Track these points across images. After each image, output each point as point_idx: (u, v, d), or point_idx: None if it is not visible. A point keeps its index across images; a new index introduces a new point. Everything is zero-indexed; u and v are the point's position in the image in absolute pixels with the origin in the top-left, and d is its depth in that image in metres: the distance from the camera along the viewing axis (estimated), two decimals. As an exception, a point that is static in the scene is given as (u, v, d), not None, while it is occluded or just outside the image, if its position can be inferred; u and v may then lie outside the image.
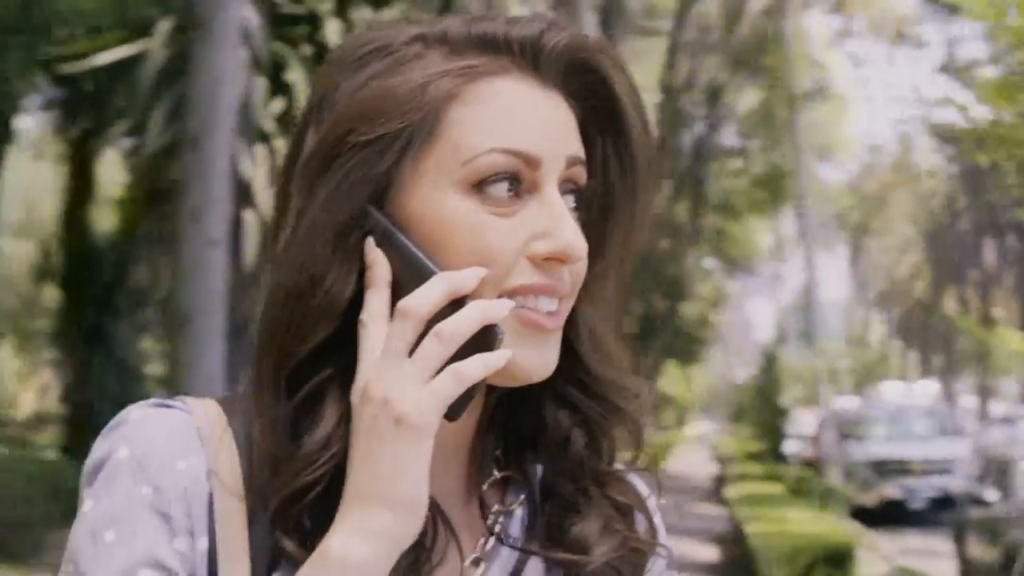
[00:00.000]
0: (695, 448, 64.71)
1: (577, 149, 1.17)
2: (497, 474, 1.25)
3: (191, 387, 7.53)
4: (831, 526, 13.45)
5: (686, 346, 45.97)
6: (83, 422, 18.25)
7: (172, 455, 1.13)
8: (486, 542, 1.22)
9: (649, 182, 1.22)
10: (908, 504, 22.69)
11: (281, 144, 10.64)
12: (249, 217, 10.30)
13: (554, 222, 1.12)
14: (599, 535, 1.23)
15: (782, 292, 51.25)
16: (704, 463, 50.11)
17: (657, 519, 1.32)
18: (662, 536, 1.31)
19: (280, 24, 10.66)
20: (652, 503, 1.34)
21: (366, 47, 1.16)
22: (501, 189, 1.12)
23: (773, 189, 39.17)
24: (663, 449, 45.36)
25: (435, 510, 1.16)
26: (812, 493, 19.05)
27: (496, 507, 1.24)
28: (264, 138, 10.73)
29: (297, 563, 1.08)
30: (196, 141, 7.89)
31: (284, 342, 1.13)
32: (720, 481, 30.69)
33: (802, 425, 29.91)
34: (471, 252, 1.11)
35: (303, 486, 1.10)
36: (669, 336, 40.97)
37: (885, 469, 23.15)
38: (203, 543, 1.11)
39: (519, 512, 1.26)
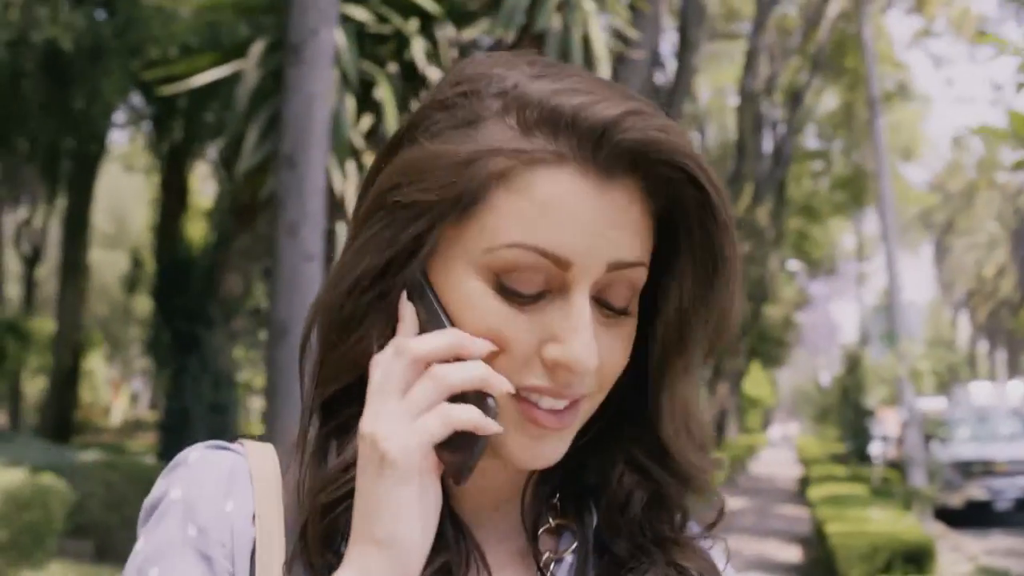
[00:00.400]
0: (780, 450, 64.30)
1: (627, 254, 1.10)
2: (552, 522, 1.22)
3: (289, 395, 7.83)
4: (911, 526, 13.47)
5: (770, 348, 45.87)
6: (177, 428, 18.68)
7: (221, 497, 1.14)
8: None
9: (734, 287, 1.16)
10: (994, 505, 22.57)
11: (370, 159, 10.93)
12: (341, 231, 10.39)
13: (569, 331, 1.07)
14: None
15: (866, 293, 50.98)
16: (789, 465, 49.88)
17: None
18: None
19: (367, 44, 10.88)
20: (728, 571, 1.30)
21: (457, 87, 1.13)
22: (522, 284, 1.08)
23: (854, 190, 39.10)
24: (747, 451, 45.31)
25: (473, 551, 1.15)
26: (895, 494, 19.08)
27: (547, 554, 1.21)
28: (354, 154, 10.91)
29: None
30: (292, 159, 8.14)
31: (322, 380, 1.14)
32: (804, 483, 30.61)
33: (886, 426, 29.82)
34: (483, 336, 1.08)
35: (325, 505, 1.10)
36: (753, 339, 40.95)
37: (970, 470, 23.03)
38: None
39: (569, 559, 1.22)
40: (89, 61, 15.56)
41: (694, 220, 1.12)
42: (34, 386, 33.23)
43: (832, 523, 14.02)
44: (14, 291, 38.11)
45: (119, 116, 21.10)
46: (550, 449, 1.11)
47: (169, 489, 1.15)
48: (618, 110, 1.06)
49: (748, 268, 31.98)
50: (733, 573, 1.31)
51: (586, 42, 10.83)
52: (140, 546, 1.14)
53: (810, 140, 39.74)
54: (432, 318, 1.09)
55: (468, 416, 1.04)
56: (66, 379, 22.92)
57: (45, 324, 31.93)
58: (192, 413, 18.85)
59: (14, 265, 37.69)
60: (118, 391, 43.17)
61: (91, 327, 35.83)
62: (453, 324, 1.09)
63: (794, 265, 44.73)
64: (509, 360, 1.08)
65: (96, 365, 40.03)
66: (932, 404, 31.62)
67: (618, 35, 12.83)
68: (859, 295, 51.73)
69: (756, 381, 60.03)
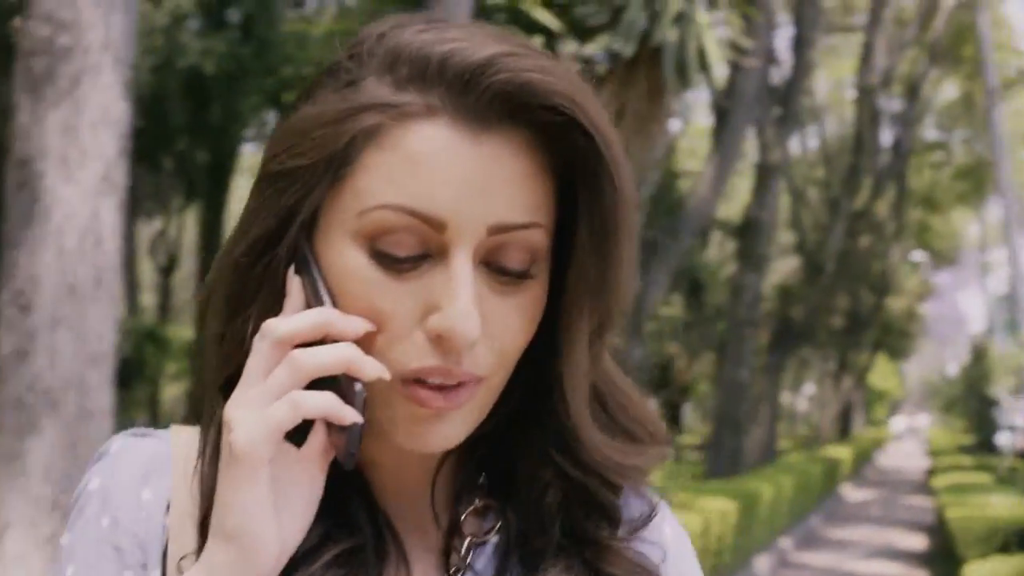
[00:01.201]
0: (908, 442, 63.73)
1: (508, 216, 1.00)
2: (478, 503, 1.14)
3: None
4: (1033, 513, 13.77)
5: (895, 340, 45.74)
6: None
7: (137, 486, 1.09)
8: (455, 572, 1.12)
9: (623, 250, 1.06)
10: None
11: None
12: None
13: (447, 295, 0.98)
14: None
15: (992, 282, 50.46)
16: (917, 457, 49.58)
17: (681, 568, 1.20)
18: None
19: None
20: (680, 548, 1.21)
21: (347, 52, 1.06)
22: (398, 249, 1.00)
23: (976, 180, 38.89)
24: (873, 444, 45.22)
25: (386, 533, 1.09)
26: (1021, 482, 19.23)
27: (469, 538, 1.12)
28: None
29: None
30: None
31: (210, 367, 1.09)
32: (931, 473, 30.70)
33: (1014, 416, 29.77)
34: (362, 312, 1.01)
35: (205, 517, 1.04)
36: (877, 331, 40.89)
37: None
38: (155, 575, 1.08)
39: (493, 541, 1.14)
40: (228, 82, 16.40)
41: (585, 172, 1.03)
42: (171, 392, 34.28)
43: (952, 508, 14.37)
44: (149, 300, 39.44)
45: (250, 129, 21.93)
46: (441, 434, 1.03)
47: (89, 480, 1.11)
48: (488, 52, 0.98)
49: (869, 261, 32.07)
50: (684, 548, 1.22)
51: (701, 53, 11.25)
52: (63, 541, 1.10)
53: (930, 131, 39.56)
54: (314, 292, 1.02)
55: (320, 404, 0.97)
56: (207, 385, 23.70)
57: (181, 331, 33.08)
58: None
59: (149, 274, 39.00)
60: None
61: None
62: (334, 299, 1.02)
63: (919, 256, 44.55)
64: (389, 337, 1.00)
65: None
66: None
67: (732, 45, 13.24)
68: (985, 284, 51.24)
69: (883, 374, 59.75)
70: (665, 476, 20.27)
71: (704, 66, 11.31)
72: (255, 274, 1.05)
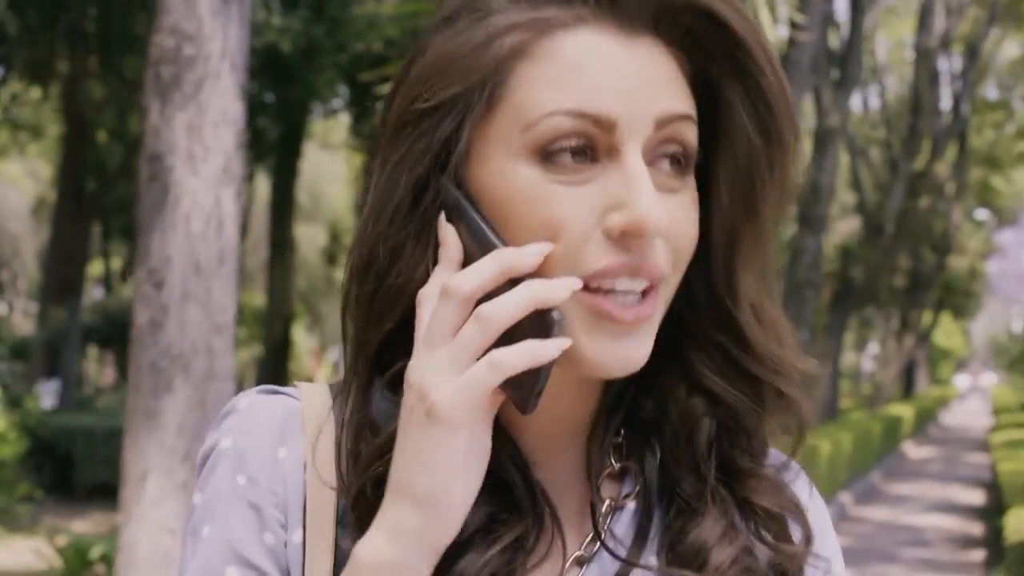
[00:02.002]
0: (973, 400, 63.42)
1: (671, 106, 1.01)
2: (615, 465, 1.12)
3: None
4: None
5: (958, 299, 45.59)
6: None
7: (272, 444, 1.07)
8: (591, 542, 1.09)
9: (791, 125, 1.05)
10: None
11: None
12: None
13: (630, 191, 0.97)
14: (719, 540, 1.07)
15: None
16: (982, 415, 49.44)
17: (819, 525, 1.15)
18: (826, 547, 1.15)
19: None
20: (816, 505, 1.17)
21: (459, 2, 1.04)
22: (568, 155, 0.99)
23: (1038, 138, 38.63)
24: (937, 402, 45.21)
25: (544, 501, 1.06)
26: None
27: (607, 502, 1.10)
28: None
29: None
30: None
31: (361, 326, 1.06)
32: (992, 431, 30.83)
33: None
34: (537, 226, 0.99)
35: (373, 479, 1.02)
36: (939, 290, 40.84)
37: None
38: (298, 535, 1.05)
39: (631, 507, 1.11)
40: (303, 59, 16.98)
41: (732, 70, 1.04)
42: (241, 356, 34.92)
43: (1004, 463, 14.78)
44: None
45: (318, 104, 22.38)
46: (632, 349, 1.00)
47: (220, 439, 1.09)
48: None
49: (930, 220, 32.06)
50: (819, 505, 1.18)
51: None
52: (196, 500, 1.08)
53: (991, 90, 39.32)
54: (476, 236, 1.00)
55: (521, 358, 0.94)
56: (278, 350, 24.17)
57: (253, 298, 33.73)
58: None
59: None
60: (319, 360, 44.82)
61: (294, 299, 37.48)
62: (499, 235, 1.00)
63: (982, 214, 44.32)
64: (569, 246, 0.98)
65: (298, 336, 41.72)
66: None
67: (787, 20, 13.51)
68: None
69: (947, 332, 59.46)
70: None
71: None
72: (404, 230, 1.02)
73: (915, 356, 43.85)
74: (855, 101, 39.84)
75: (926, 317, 43.39)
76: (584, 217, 0.98)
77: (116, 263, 33.09)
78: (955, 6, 30.89)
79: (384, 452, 1.01)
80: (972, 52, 31.30)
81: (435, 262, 1.02)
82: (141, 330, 5.76)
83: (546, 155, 0.99)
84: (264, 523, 1.05)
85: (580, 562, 1.09)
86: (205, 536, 1.06)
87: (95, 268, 29.76)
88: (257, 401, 1.10)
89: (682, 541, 1.07)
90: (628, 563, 1.08)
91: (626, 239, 0.98)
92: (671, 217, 1.00)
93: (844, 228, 39.80)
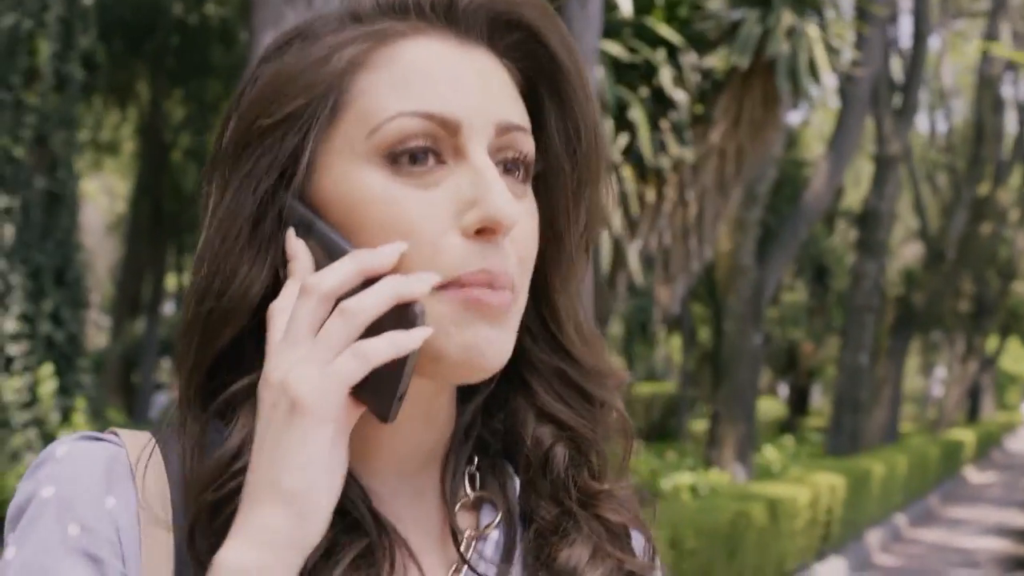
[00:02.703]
0: None
1: (510, 114, 1.02)
2: (470, 494, 1.10)
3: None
4: None
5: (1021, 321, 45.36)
6: None
7: (100, 492, 0.99)
8: (456, 570, 1.07)
9: (597, 151, 1.08)
10: None
11: (627, 173, 12.35)
12: (603, 236, 11.80)
13: (482, 188, 0.97)
14: (589, 561, 1.07)
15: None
16: None
17: (653, 538, 1.17)
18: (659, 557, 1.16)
19: (622, 72, 11.93)
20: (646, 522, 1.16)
21: (289, 34, 1.06)
22: (415, 157, 0.98)
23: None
24: (1003, 428, 44.99)
25: (393, 535, 1.02)
26: None
27: (468, 532, 1.08)
28: (612, 167, 12.03)
29: None
30: None
31: (196, 348, 1.01)
32: None
33: None
34: (390, 230, 0.97)
35: (210, 505, 0.97)
36: (1004, 315, 40.71)
37: None
38: None
39: (495, 535, 1.10)
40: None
41: (551, 90, 1.06)
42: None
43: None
44: None
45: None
46: (501, 338, 1.00)
47: (38, 488, 1.00)
48: None
49: (995, 246, 32.04)
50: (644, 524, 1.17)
51: (812, 64, 11.99)
52: (11, 555, 0.99)
53: None
54: (327, 247, 0.99)
55: (386, 347, 0.93)
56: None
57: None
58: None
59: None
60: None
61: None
62: (350, 243, 0.99)
63: None
64: (423, 247, 0.97)
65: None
66: None
67: (843, 58, 13.90)
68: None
69: (1015, 358, 59.01)
70: (786, 455, 21.05)
71: (815, 76, 12.04)
72: (245, 248, 1.00)
73: (980, 381, 43.70)
74: (922, 124, 39.88)
75: (991, 342, 43.21)
76: (437, 218, 0.98)
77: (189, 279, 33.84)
78: (1021, 32, 30.95)
79: (220, 473, 0.98)
80: None
81: (278, 278, 1.01)
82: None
83: (393, 157, 0.99)
84: (103, 573, 0.98)
85: None
86: None
87: (169, 283, 30.50)
88: (76, 448, 1.02)
89: (551, 566, 1.07)
90: None
91: (482, 236, 0.98)
92: (519, 220, 1.00)
93: (909, 253, 39.84)
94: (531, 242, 1.04)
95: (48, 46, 11.24)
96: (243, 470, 0.97)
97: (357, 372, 0.93)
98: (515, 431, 1.11)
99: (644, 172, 12.18)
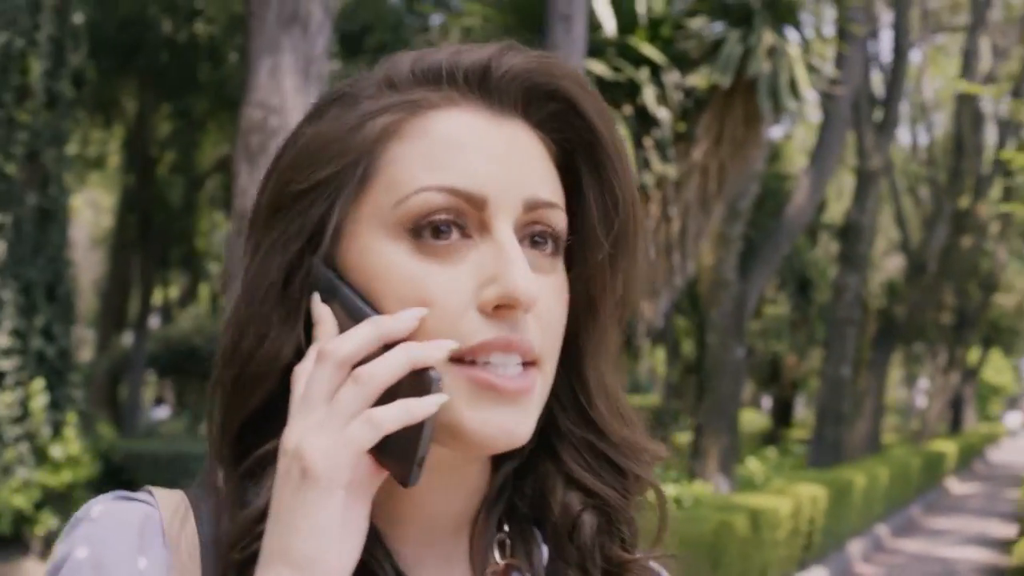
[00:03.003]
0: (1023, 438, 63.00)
1: (539, 190, 1.01)
2: (500, 562, 1.09)
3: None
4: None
5: (1006, 337, 45.58)
6: None
7: (132, 553, 1.01)
8: None
9: (635, 223, 1.08)
10: None
11: None
12: None
13: (502, 265, 0.97)
14: None
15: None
16: None
17: None
18: None
19: (606, 90, 12.09)
20: None
21: (329, 96, 1.07)
22: (439, 231, 0.98)
23: (1085, 178, 38.61)
24: (984, 439, 45.20)
25: None
26: None
27: None
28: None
29: None
30: None
31: (226, 409, 1.03)
32: None
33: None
34: (409, 304, 0.97)
35: (237, 564, 0.99)
36: (986, 328, 40.88)
37: None
38: None
39: None
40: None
41: (590, 162, 1.06)
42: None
43: (1031, 495, 15.36)
44: None
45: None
46: (514, 420, 0.99)
47: (73, 549, 1.01)
48: (492, 49, 1.03)
49: (975, 259, 32.20)
50: None
51: (792, 83, 12.16)
52: None
53: None
54: (351, 311, 0.99)
55: (398, 414, 0.93)
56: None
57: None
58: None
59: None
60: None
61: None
62: (374, 309, 0.99)
63: None
64: (442, 322, 0.97)
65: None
66: None
67: (823, 76, 14.06)
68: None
69: (997, 369, 59.24)
70: (769, 467, 21.22)
71: (796, 95, 12.19)
72: (273, 311, 1.01)
73: (963, 393, 43.87)
74: (904, 137, 40.04)
75: (973, 354, 43.37)
76: (457, 293, 0.98)
77: (173, 292, 33.86)
78: (1000, 48, 31.12)
79: (245, 534, 0.99)
80: (1017, 94, 31.38)
81: (306, 342, 1.01)
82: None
83: (416, 231, 0.99)
84: None
85: None
86: None
87: (156, 297, 30.51)
88: (111, 508, 1.03)
89: None
90: None
91: (500, 312, 0.98)
92: (540, 300, 1.00)
93: (891, 265, 39.99)
94: (556, 316, 1.03)
95: (39, 64, 11.30)
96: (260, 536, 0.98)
97: (369, 439, 0.93)
98: (543, 497, 1.11)
99: (628, 189, 12.34)
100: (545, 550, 1.13)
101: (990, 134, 32.14)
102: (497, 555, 1.10)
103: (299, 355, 1.01)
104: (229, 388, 1.03)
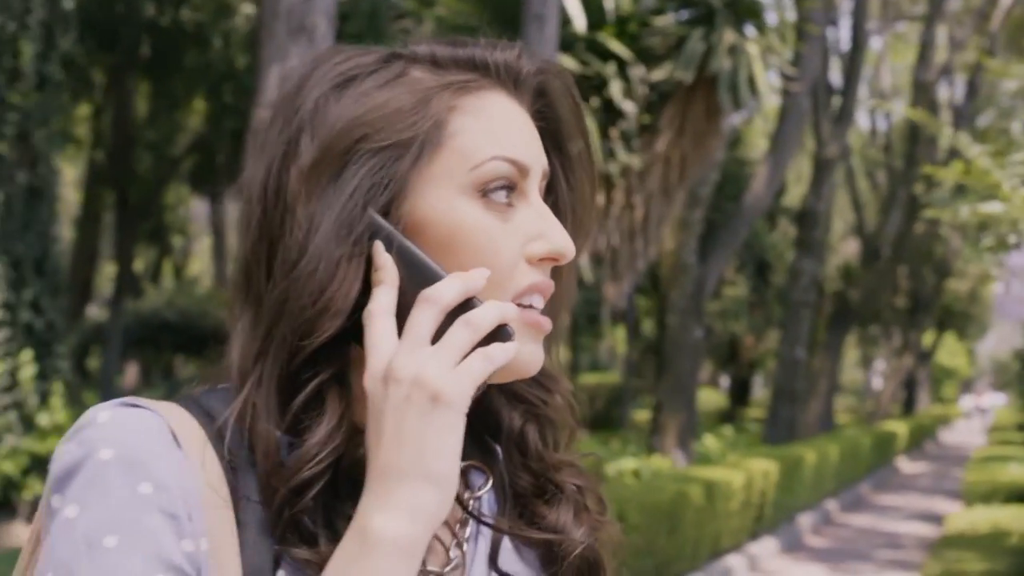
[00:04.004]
0: (976, 420, 63.61)
1: (546, 163, 1.19)
2: (463, 463, 1.17)
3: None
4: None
5: (959, 321, 46.13)
6: None
7: (163, 452, 1.05)
8: (462, 524, 1.23)
9: (589, 202, 1.27)
10: None
11: None
12: None
13: (546, 225, 1.15)
14: (574, 520, 1.25)
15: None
16: (979, 433, 49.87)
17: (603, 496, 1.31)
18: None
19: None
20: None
21: (344, 64, 1.16)
22: (501, 195, 1.13)
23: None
24: (937, 421, 45.75)
25: None
26: None
27: (467, 493, 1.22)
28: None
29: (301, 564, 1.06)
30: None
31: (290, 342, 1.09)
32: (980, 449, 31.62)
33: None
34: (478, 254, 1.12)
35: (306, 481, 1.06)
36: (940, 311, 41.43)
37: None
38: (204, 544, 1.04)
39: (486, 498, 1.26)
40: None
41: (555, 141, 1.24)
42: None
43: (970, 474, 16.04)
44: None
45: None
46: (538, 353, 1.16)
47: (92, 450, 1.03)
48: (515, 49, 1.20)
49: (930, 244, 32.74)
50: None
51: (751, 80, 12.71)
52: (75, 514, 1.01)
53: (992, 118, 39.60)
54: (414, 265, 1.10)
55: (504, 357, 1.06)
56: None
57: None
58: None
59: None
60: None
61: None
62: (435, 262, 1.11)
63: (988, 239, 44.43)
64: (500, 270, 1.12)
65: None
66: None
67: (781, 74, 14.60)
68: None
69: (952, 352, 59.90)
70: (725, 444, 21.78)
71: (755, 91, 12.75)
72: (339, 253, 1.09)
73: (916, 375, 44.32)
74: (864, 121, 40.41)
75: (927, 337, 43.88)
76: (511, 247, 1.13)
77: (140, 266, 33.92)
78: (957, 38, 31.55)
79: (315, 455, 1.07)
80: (972, 84, 31.79)
81: (365, 287, 1.10)
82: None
83: (484, 192, 1.13)
84: (181, 530, 1.03)
85: (459, 546, 1.22)
86: (112, 546, 1.00)
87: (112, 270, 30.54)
88: (120, 413, 1.06)
89: (540, 524, 1.25)
90: (514, 534, 1.24)
91: (541, 264, 1.16)
92: None
93: (848, 248, 40.43)
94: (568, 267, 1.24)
95: (30, 47, 11.47)
96: (335, 451, 1.08)
97: (486, 371, 1.05)
98: (493, 412, 1.27)
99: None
100: (499, 451, 1.29)
101: (945, 123, 32.50)
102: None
103: (358, 300, 1.11)
104: (291, 322, 1.09)
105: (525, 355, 1.14)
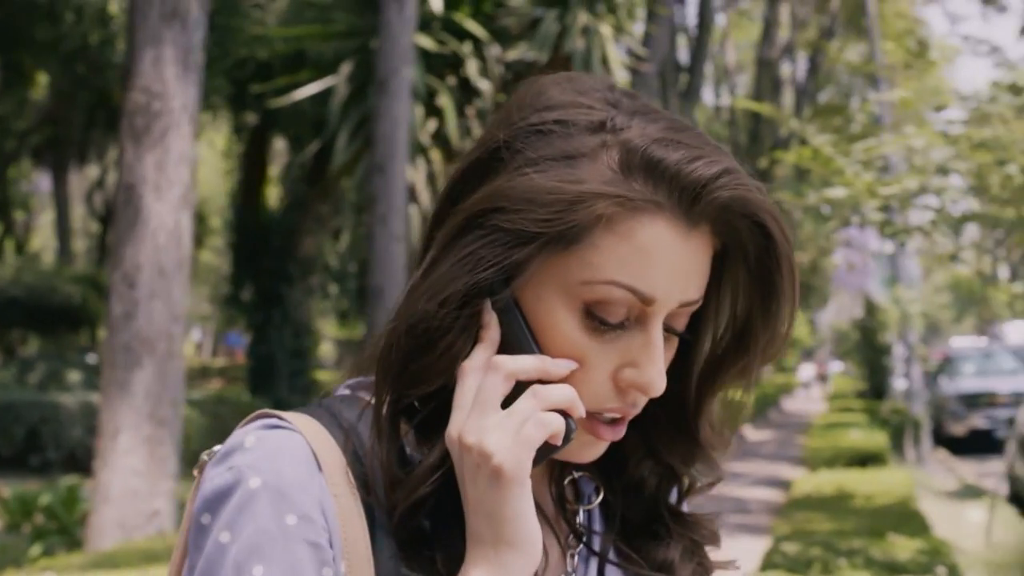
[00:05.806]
0: (816, 388, 65.02)
1: (695, 294, 1.14)
2: (575, 475, 1.27)
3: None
4: (874, 441, 16.03)
5: (802, 292, 47.09)
6: (264, 372, 20.92)
7: (306, 481, 1.08)
8: (577, 539, 1.26)
9: (790, 312, 1.19)
10: (995, 433, 22.90)
11: (435, 155, 13.20)
12: (413, 212, 12.74)
13: (646, 357, 1.12)
14: (680, 559, 1.26)
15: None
16: (819, 401, 50.94)
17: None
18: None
19: (431, 62, 12.86)
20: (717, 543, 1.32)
21: (548, 113, 1.13)
22: (609, 315, 1.11)
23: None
24: (780, 389, 46.64)
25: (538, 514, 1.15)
26: (892, 423, 20.84)
27: (580, 507, 1.27)
28: (422, 151, 12.95)
29: None
30: (382, 167, 10.59)
31: (402, 384, 1.13)
32: (821, 416, 32.39)
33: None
34: (563, 358, 1.12)
35: (419, 499, 1.10)
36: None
37: (974, 402, 24.08)
38: (343, 567, 1.09)
39: (596, 512, 1.29)
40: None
41: (755, 256, 1.16)
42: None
43: (812, 441, 16.65)
44: (81, 246, 40.09)
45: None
46: (598, 452, 1.18)
47: (242, 478, 1.07)
48: (715, 169, 1.10)
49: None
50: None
51: (604, 60, 13.07)
52: (226, 539, 1.06)
53: (832, 94, 40.50)
54: (517, 337, 1.12)
55: (559, 424, 1.08)
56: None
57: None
58: (276, 359, 20.85)
59: (83, 222, 39.77)
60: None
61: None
62: (538, 345, 1.12)
63: (826, 210, 45.42)
64: (585, 383, 1.12)
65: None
66: (969, 343, 32.97)
67: (632, 53, 14.98)
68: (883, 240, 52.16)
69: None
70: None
71: (608, 71, 13.05)
72: (456, 314, 1.11)
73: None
74: (708, 97, 41.06)
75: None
76: (604, 367, 1.13)
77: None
78: (799, 18, 32.25)
79: (423, 481, 1.11)
80: (814, 62, 32.47)
81: (472, 345, 1.12)
82: (116, 319, 7.24)
83: (589, 311, 1.11)
84: (323, 558, 1.07)
85: (571, 557, 1.25)
86: (260, 575, 1.04)
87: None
88: (269, 438, 1.10)
89: (647, 559, 1.27)
90: (614, 562, 1.26)
91: (630, 390, 1.14)
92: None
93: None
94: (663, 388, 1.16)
95: None
96: (443, 476, 1.12)
97: (540, 439, 1.08)
98: (621, 457, 1.27)
99: (451, 154, 13.11)
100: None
101: (787, 98, 33.26)
102: (569, 495, 1.28)
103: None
104: (410, 370, 1.13)
105: (575, 449, 1.17)
